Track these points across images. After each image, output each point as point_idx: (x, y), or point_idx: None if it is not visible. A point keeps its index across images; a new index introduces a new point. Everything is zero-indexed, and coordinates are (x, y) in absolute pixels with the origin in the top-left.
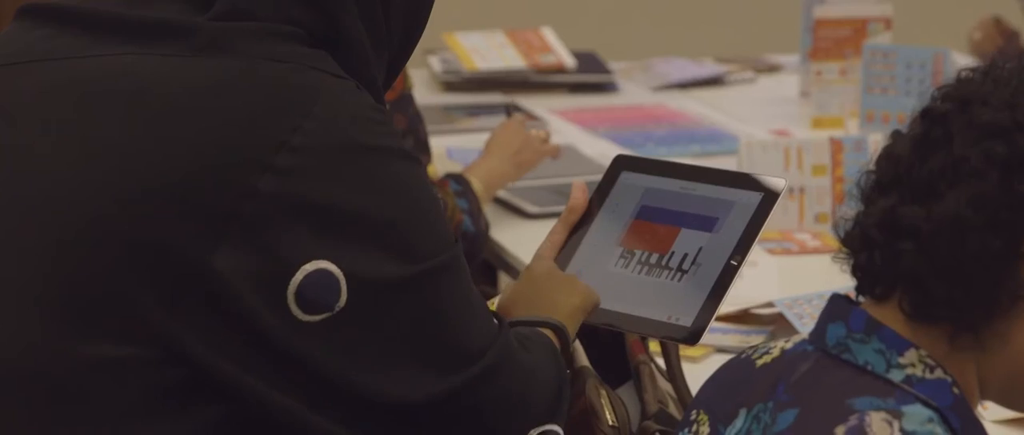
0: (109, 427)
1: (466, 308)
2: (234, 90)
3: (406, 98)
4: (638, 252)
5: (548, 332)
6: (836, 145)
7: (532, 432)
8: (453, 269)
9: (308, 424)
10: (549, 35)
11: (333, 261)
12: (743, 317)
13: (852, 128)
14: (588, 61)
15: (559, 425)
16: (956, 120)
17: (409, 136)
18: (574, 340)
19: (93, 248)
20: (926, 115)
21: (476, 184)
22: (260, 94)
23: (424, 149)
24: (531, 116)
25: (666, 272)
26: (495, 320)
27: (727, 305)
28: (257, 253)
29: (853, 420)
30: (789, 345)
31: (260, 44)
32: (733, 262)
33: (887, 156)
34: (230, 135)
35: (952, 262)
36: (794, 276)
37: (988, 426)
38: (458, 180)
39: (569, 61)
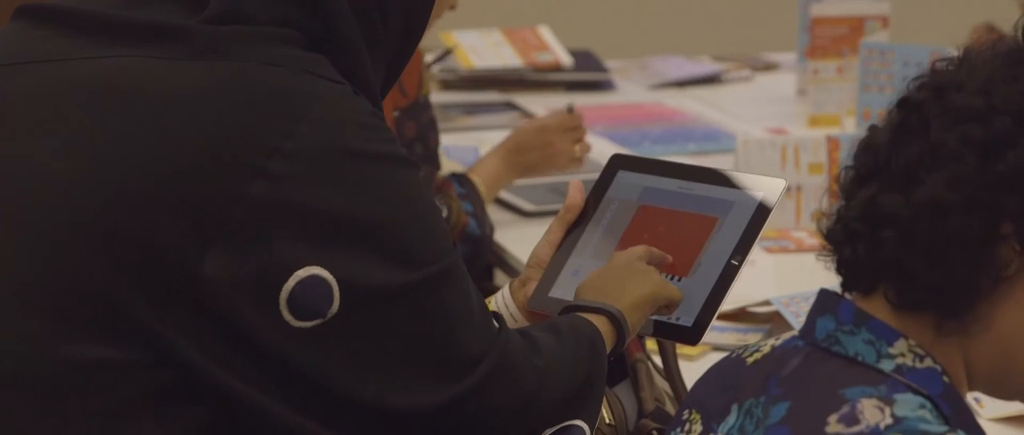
0: (96, 428)
1: (464, 315)
2: (228, 94)
3: (419, 105)
4: None
5: (602, 320)
6: (833, 143)
7: (546, 432)
8: (451, 276)
9: (298, 430)
10: (546, 33)
11: (326, 267)
12: (740, 315)
13: (849, 126)
14: (585, 59)
15: (583, 420)
16: (932, 107)
17: (418, 144)
18: (637, 330)
19: (83, 250)
20: (902, 104)
21: (479, 183)
22: (254, 98)
23: (433, 159)
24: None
25: (666, 271)
26: (495, 322)
27: (724, 304)
28: (249, 258)
29: (845, 408)
30: (779, 342)
31: (255, 47)
32: (734, 262)
33: (865, 148)
34: (222, 139)
35: (933, 246)
36: (791, 274)
37: (984, 424)
38: (461, 181)
39: (566, 59)
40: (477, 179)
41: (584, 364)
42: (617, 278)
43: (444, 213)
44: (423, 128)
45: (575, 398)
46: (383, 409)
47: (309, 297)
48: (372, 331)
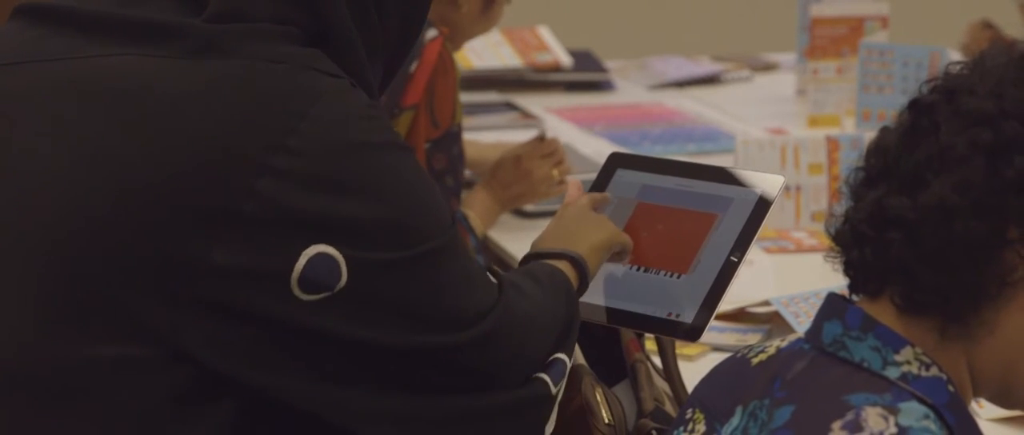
0: (118, 428)
1: (464, 280)
2: (230, 91)
3: (451, 136)
4: None
5: (565, 264)
6: (832, 143)
7: (538, 372)
8: (450, 249)
9: (317, 399)
10: (545, 34)
11: (333, 246)
12: (740, 315)
13: (848, 126)
14: (584, 59)
15: (566, 354)
16: (942, 110)
17: (449, 176)
18: (595, 273)
19: (91, 249)
20: (913, 106)
21: (475, 221)
22: (256, 95)
23: (459, 192)
24: (536, 120)
25: (665, 268)
26: (496, 281)
27: (724, 304)
28: (257, 251)
29: (850, 415)
30: (785, 343)
31: (255, 45)
32: (733, 258)
33: (875, 149)
34: (226, 136)
35: (939, 249)
36: (790, 274)
37: (984, 424)
38: (468, 224)
39: (565, 59)
40: (473, 216)
41: (562, 308)
42: (571, 226)
43: None
44: (454, 159)
45: (561, 333)
46: (389, 349)
47: (318, 273)
48: (378, 297)
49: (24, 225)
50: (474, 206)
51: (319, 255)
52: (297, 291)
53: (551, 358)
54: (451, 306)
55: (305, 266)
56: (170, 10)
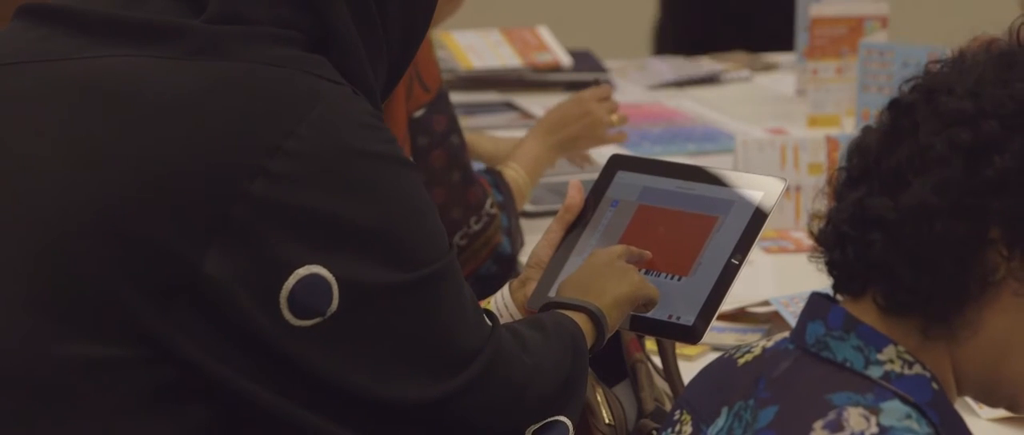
0: (100, 427)
1: (459, 314)
2: (229, 93)
3: (443, 96)
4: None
5: (582, 317)
6: (832, 143)
7: (530, 428)
8: (447, 276)
9: (301, 424)
10: (545, 33)
11: (325, 266)
12: (739, 315)
13: (848, 126)
14: (584, 59)
15: (567, 416)
16: (922, 110)
17: (454, 135)
18: (615, 328)
19: (83, 248)
20: (893, 106)
21: (517, 175)
22: (255, 98)
23: (465, 147)
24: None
25: (666, 271)
26: (488, 321)
27: (723, 304)
28: (249, 256)
29: (831, 415)
30: (771, 343)
31: (256, 48)
32: (734, 261)
33: (856, 149)
34: (223, 138)
35: (919, 250)
36: (790, 274)
37: (983, 424)
38: (497, 183)
39: (565, 59)
40: (516, 170)
41: (567, 361)
42: (597, 276)
43: (478, 227)
44: (452, 119)
45: (560, 395)
46: (380, 403)
47: (309, 296)
48: (370, 329)
49: (19, 224)
50: (521, 156)
51: (311, 276)
52: (287, 313)
53: (550, 420)
54: (443, 342)
55: (295, 285)
56: (170, 11)
